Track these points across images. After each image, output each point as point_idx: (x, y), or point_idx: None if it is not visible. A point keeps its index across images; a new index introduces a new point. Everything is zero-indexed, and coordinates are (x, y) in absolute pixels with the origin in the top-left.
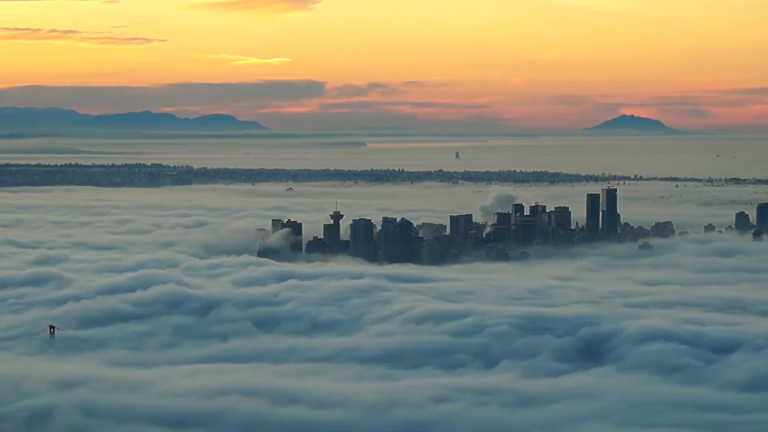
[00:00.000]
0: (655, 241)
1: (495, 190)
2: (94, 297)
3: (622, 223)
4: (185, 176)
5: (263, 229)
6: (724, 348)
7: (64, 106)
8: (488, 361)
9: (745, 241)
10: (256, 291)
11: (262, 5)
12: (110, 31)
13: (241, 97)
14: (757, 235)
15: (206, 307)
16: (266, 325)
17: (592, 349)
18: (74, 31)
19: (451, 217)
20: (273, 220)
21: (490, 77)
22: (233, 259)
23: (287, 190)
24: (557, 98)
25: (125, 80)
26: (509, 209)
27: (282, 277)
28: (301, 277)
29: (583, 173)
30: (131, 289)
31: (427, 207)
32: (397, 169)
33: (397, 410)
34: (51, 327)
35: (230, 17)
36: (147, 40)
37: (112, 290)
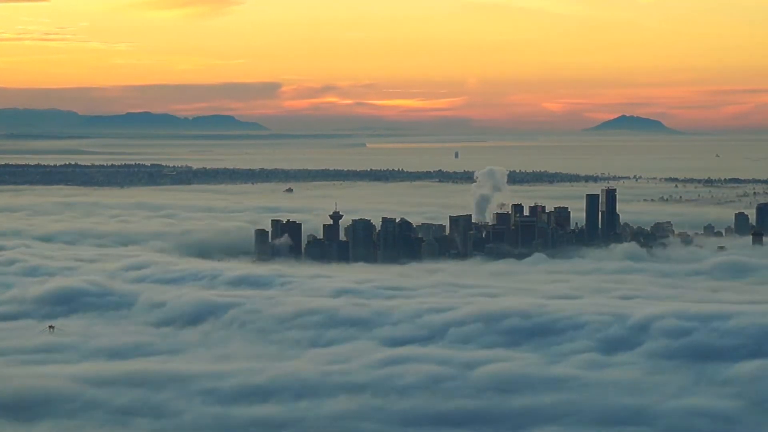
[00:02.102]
0: (654, 241)
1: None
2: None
3: (622, 223)
4: (185, 176)
5: (263, 230)
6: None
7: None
8: None
9: (745, 241)
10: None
11: (189, 5)
12: (56, 32)
13: (240, 97)
14: (757, 235)
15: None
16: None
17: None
18: (25, 33)
19: (450, 217)
20: (272, 221)
21: (447, 79)
22: (232, 260)
23: (287, 190)
24: (522, 100)
25: (108, 82)
26: (508, 209)
27: (281, 279)
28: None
29: (582, 173)
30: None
31: (427, 207)
32: (396, 169)
33: None
34: (50, 327)
35: (161, 18)
36: (104, 42)
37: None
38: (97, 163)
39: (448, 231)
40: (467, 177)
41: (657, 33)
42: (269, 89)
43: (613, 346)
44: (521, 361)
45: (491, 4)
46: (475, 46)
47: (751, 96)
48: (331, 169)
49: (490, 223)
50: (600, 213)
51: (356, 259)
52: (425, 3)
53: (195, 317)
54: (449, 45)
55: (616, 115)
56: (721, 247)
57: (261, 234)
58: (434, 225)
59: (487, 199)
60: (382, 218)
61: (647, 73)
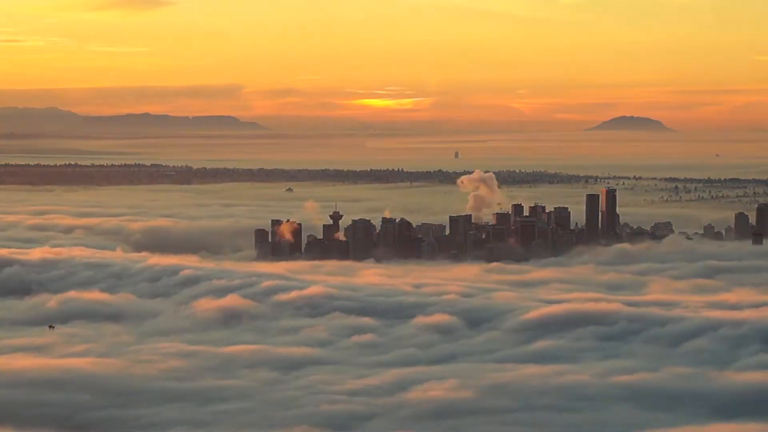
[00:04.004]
0: (653, 241)
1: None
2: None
3: (622, 223)
4: (184, 176)
5: (263, 230)
6: None
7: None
8: None
9: (744, 242)
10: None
11: (122, 6)
12: (14, 33)
13: (206, 97)
14: (757, 235)
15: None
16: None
17: None
18: None
19: (450, 217)
20: (272, 221)
21: (407, 81)
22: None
23: (287, 190)
24: (490, 101)
25: (74, 84)
26: (509, 209)
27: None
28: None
29: (582, 173)
30: None
31: (427, 207)
32: (396, 169)
33: None
34: (50, 326)
35: (98, 19)
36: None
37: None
38: (97, 163)
39: (448, 231)
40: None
41: (618, 34)
42: (231, 90)
43: None
44: None
45: (451, 6)
46: (436, 49)
47: (725, 96)
48: (331, 169)
49: (490, 223)
50: (600, 213)
51: (356, 259)
52: (382, 6)
53: None
54: (410, 48)
55: (591, 116)
56: (721, 247)
57: (261, 234)
58: (434, 225)
59: (482, 201)
60: (382, 218)
61: (614, 73)
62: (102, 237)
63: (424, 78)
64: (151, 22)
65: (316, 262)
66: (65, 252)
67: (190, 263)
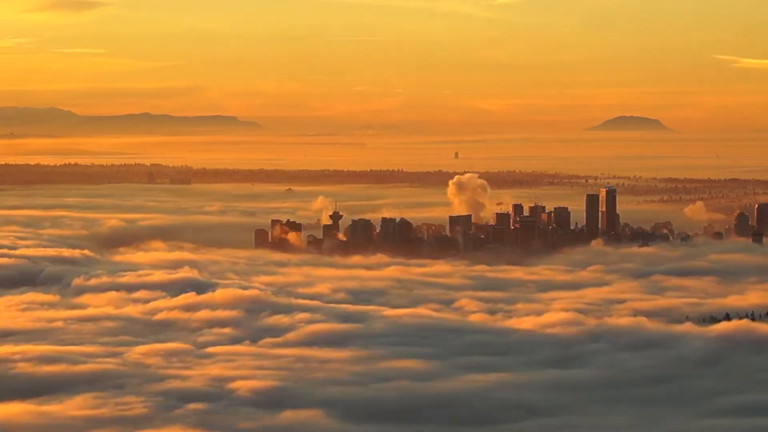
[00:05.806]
0: (654, 241)
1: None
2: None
3: (622, 223)
4: (184, 176)
5: (263, 230)
6: None
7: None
8: None
9: (745, 242)
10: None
11: (55, 8)
12: None
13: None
14: (757, 236)
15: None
16: None
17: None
18: None
19: (450, 217)
20: (272, 221)
21: (373, 82)
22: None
23: (287, 190)
24: (459, 104)
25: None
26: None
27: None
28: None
29: (582, 173)
30: None
31: (427, 207)
32: (396, 170)
33: None
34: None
35: (42, 20)
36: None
37: None
38: (96, 162)
39: (448, 231)
40: None
41: (577, 36)
42: (198, 91)
43: None
44: None
45: (409, 6)
46: (398, 49)
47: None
48: (331, 169)
49: (490, 223)
50: (600, 213)
51: (355, 259)
52: (347, 8)
53: None
54: (371, 49)
55: (571, 117)
56: (721, 247)
57: (261, 234)
58: (434, 225)
59: (478, 205)
60: (382, 218)
61: (582, 75)
62: (100, 237)
63: (388, 79)
64: (89, 23)
65: (316, 263)
66: (62, 252)
67: (188, 263)
